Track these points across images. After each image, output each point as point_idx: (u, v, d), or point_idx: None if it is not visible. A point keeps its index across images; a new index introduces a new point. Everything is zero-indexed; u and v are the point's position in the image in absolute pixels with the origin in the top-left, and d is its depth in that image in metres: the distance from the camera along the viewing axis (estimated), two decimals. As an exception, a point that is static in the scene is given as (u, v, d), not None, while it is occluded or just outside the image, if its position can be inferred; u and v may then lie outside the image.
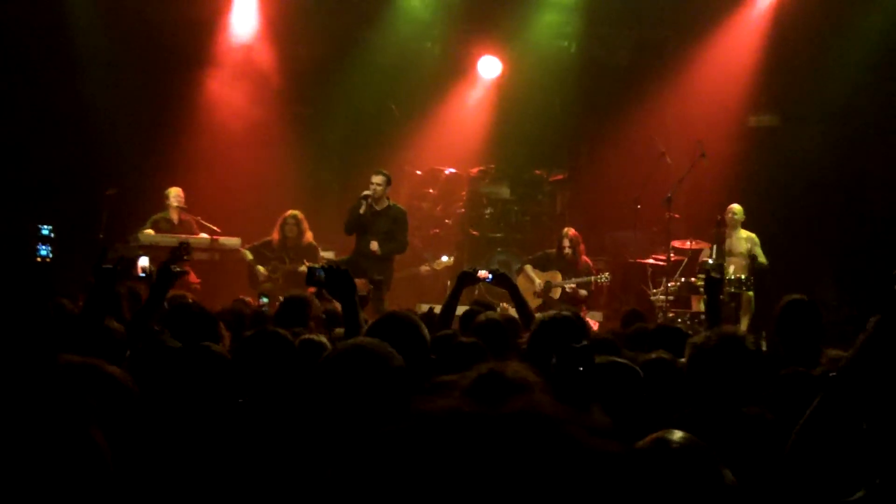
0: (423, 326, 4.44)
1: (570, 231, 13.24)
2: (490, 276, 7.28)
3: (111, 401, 2.61)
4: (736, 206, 13.15)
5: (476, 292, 11.86)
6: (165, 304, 5.90)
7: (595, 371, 3.61)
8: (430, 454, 1.27)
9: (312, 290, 7.74)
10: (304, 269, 11.17)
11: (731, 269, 12.64)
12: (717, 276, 6.72)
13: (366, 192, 12.25)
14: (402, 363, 3.25)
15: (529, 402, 1.36)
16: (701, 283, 12.29)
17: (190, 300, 7.88)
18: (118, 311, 6.08)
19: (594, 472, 1.29)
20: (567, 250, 13.06)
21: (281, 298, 7.80)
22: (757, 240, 13.03)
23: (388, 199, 12.51)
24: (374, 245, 12.15)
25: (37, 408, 2.02)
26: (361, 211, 12.14)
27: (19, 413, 2.00)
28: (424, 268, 14.22)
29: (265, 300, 9.22)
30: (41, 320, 3.17)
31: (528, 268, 13.22)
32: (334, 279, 4.99)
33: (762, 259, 12.88)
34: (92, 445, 2.04)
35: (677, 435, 2.37)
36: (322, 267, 5.18)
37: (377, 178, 12.41)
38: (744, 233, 13.08)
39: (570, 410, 1.37)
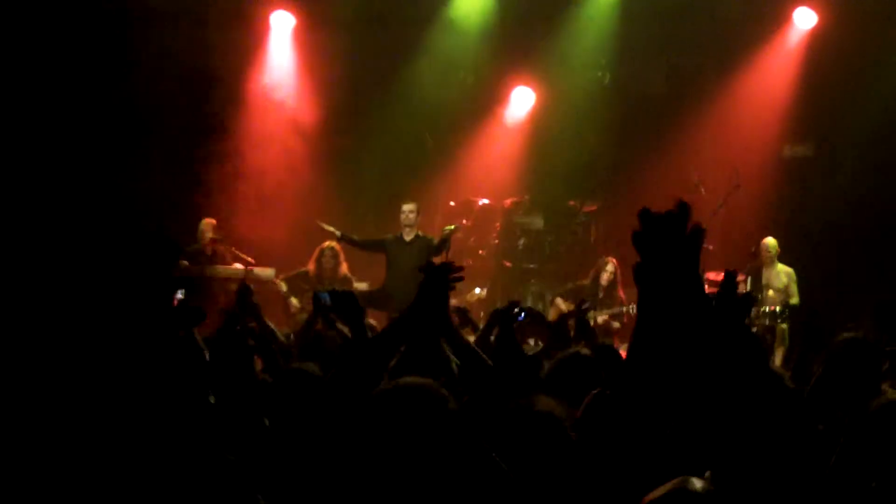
0: (453, 360, 4.45)
1: (614, 260, 13.12)
2: (523, 314, 6.95)
3: None
4: (770, 241, 13.00)
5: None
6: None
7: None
8: None
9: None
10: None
11: (768, 298, 12.56)
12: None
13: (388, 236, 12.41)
14: (456, 407, 3.07)
15: None
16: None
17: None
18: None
19: None
20: (609, 276, 12.97)
21: None
22: (794, 276, 12.88)
23: (416, 229, 12.56)
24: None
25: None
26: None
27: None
28: (459, 299, 14.14)
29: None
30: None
31: (559, 300, 13.13)
32: (340, 303, 4.77)
33: (794, 299, 12.71)
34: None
35: (699, 485, 2.28)
36: (327, 291, 5.06)
37: (410, 206, 12.45)
38: (782, 267, 12.94)
39: None
